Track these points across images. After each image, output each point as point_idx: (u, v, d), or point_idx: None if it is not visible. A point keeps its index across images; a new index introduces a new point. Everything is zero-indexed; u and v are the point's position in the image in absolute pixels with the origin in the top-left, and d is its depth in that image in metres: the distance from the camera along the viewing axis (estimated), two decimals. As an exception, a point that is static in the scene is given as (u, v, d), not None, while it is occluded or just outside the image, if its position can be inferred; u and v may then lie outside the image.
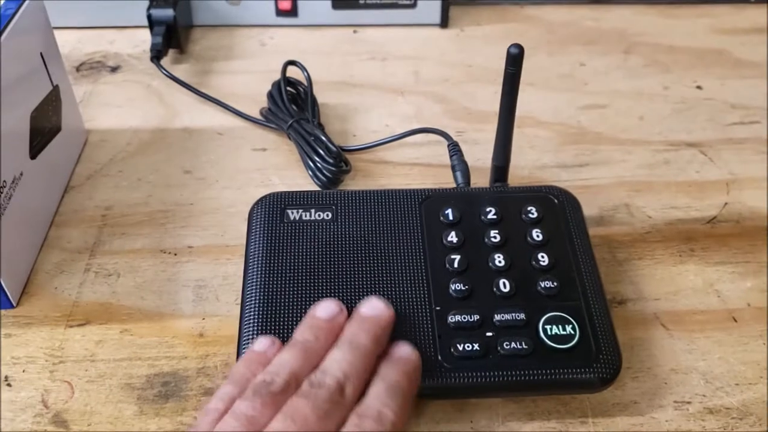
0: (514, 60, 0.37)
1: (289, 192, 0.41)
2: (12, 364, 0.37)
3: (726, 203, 0.47)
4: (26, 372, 0.37)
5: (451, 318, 0.35)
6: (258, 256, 0.38)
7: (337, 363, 0.32)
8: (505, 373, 0.34)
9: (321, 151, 0.46)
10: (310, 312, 0.35)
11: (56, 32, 0.46)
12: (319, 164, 0.46)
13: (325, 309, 0.35)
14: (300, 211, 0.40)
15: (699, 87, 0.57)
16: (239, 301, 0.37)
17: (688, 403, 0.36)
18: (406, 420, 0.31)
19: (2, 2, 0.40)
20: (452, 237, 0.38)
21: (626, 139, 0.52)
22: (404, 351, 0.34)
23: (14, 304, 0.40)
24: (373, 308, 0.35)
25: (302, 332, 0.34)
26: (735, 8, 0.66)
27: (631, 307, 0.40)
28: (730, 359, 0.38)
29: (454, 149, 0.46)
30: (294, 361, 0.32)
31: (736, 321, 0.40)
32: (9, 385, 0.36)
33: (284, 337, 0.35)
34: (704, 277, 0.42)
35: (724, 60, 0.60)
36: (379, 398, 0.31)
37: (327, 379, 0.31)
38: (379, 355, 0.33)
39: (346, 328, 0.34)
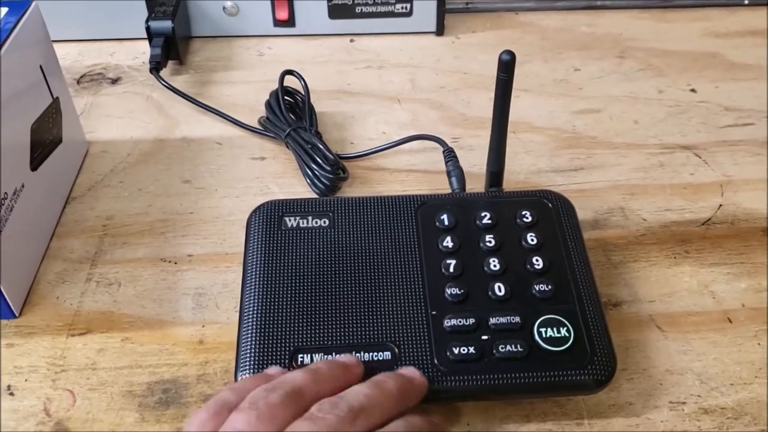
0: (506, 66, 0.37)
1: (286, 200, 0.41)
2: (15, 373, 0.38)
3: (720, 205, 0.47)
4: (29, 381, 0.37)
5: (447, 322, 0.36)
6: (256, 264, 0.38)
7: (356, 394, 0.30)
8: (500, 375, 0.34)
9: (318, 159, 0.47)
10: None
11: (58, 45, 0.46)
12: (316, 172, 0.47)
13: (345, 356, 0.34)
14: (297, 218, 0.40)
15: (693, 90, 0.57)
16: (238, 308, 0.37)
17: (683, 403, 0.36)
18: None
19: (2, 16, 0.41)
20: (448, 242, 0.39)
21: (621, 143, 0.52)
22: (436, 420, 0.33)
23: (17, 314, 0.40)
24: (410, 371, 0.34)
25: (317, 363, 0.33)
26: (729, 11, 0.67)
27: (626, 309, 0.41)
28: (725, 360, 0.38)
29: (450, 155, 0.47)
30: (300, 379, 0.31)
31: (731, 322, 0.40)
32: (12, 394, 0.37)
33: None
34: (699, 279, 0.42)
35: (717, 63, 0.60)
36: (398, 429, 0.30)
37: (341, 404, 0.29)
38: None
39: (376, 376, 0.33)
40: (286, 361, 0.34)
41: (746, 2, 0.67)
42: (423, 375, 0.34)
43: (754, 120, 0.54)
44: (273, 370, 0.34)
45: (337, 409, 0.29)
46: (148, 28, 0.57)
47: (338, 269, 0.38)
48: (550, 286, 0.37)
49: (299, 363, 0.34)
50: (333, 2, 0.61)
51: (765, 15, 0.66)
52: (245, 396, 0.30)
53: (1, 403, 0.36)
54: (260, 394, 0.30)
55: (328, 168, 0.46)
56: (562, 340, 0.35)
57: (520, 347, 0.35)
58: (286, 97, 0.52)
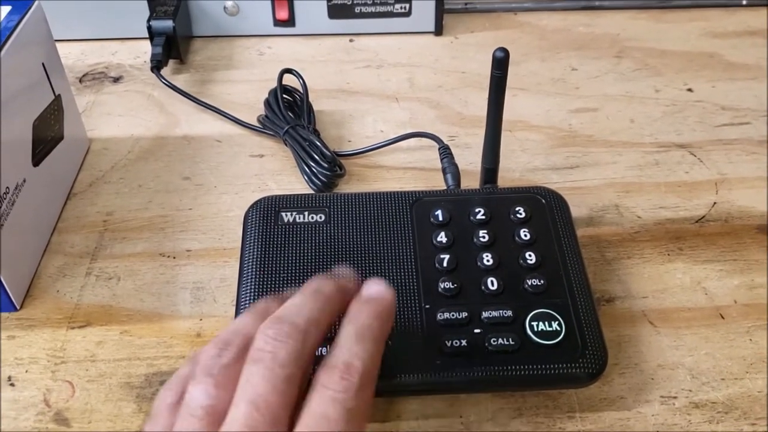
0: (500, 63, 0.38)
1: (283, 195, 0.42)
2: (15, 364, 0.38)
3: (714, 203, 0.47)
4: (29, 372, 0.38)
5: (440, 315, 0.36)
6: (253, 258, 0.39)
7: (296, 308, 0.28)
8: (493, 368, 0.35)
9: (316, 156, 0.47)
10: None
11: (60, 44, 0.47)
12: (314, 169, 0.47)
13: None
14: (294, 213, 0.41)
15: (690, 89, 0.58)
16: (235, 302, 0.38)
17: (674, 397, 0.37)
18: (378, 365, 0.29)
19: (4, 14, 0.42)
20: (442, 237, 0.39)
21: (617, 142, 0.52)
22: (376, 290, 0.31)
23: (18, 307, 0.41)
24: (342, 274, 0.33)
25: (270, 298, 0.31)
26: (727, 12, 0.67)
27: (619, 305, 0.41)
28: (716, 355, 0.39)
29: (445, 152, 0.47)
30: (252, 324, 0.29)
31: (723, 318, 0.41)
32: (12, 384, 0.37)
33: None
34: (692, 275, 0.43)
35: (714, 63, 0.61)
36: (347, 347, 0.28)
37: (285, 328, 0.27)
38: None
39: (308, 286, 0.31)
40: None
41: (744, 3, 0.68)
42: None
43: (750, 119, 0.54)
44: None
45: (282, 332, 0.27)
46: (149, 28, 0.58)
47: (334, 263, 0.38)
48: (542, 281, 0.37)
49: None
50: (332, 2, 0.62)
51: (763, 15, 0.66)
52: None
53: (1, 393, 0.37)
54: (213, 360, 0.27)
55: (326, 165, 0.47)
56: (554, 334, 0.35)
57: (512, 341, 0.35)
58: (284, 96, 0.53)
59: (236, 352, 0.27)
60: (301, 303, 0.29)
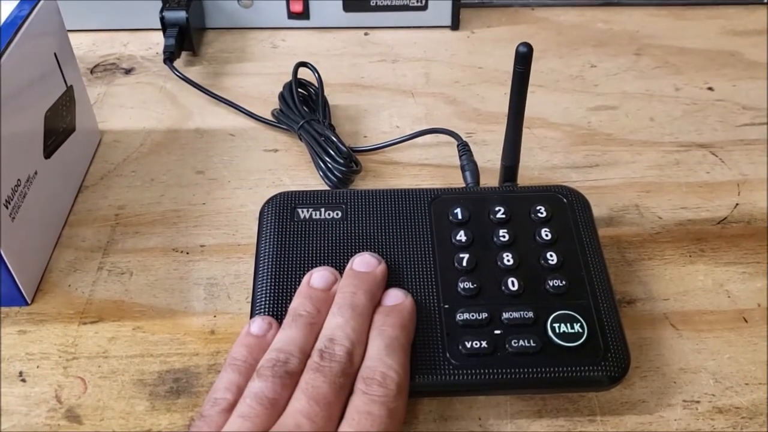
0: (523, 59, 0.37)
1: (299, 191, 0.41)
2: (26, 360, 0.38)
3: (737, 204, 0.47)
4: (40, 368, 0.37)
5: (460, 316, 0.35)
6: (268, 255, 0.38)
7: (342, 330, 0.32)
8: (513, 370, 0.34)
9: (331, 152, 0.47)
10: (306, 280, 0.36)
11: (71, 35, 0.46)
12: (329, 164, 0.46)
13: (322, 279, 0.36)
14: (310, 210, 0.40)
15: (710, 88, 0.57)
16: (250, 299, 0.37)
17: (697, 402, 0.36)
18: (408, 371, 0.32)
19: (16, 3, 0.41)
20: (461, 236, 0.39)
21: (636, 140, 0.52)
22: (396, 298, 0.35)
23: (29, 302, 0.40)
24: (367, 264, 0.36)
25: (302, 304, 0.34)
26: (747, 10, 0.66)
27: (640, 307, 0.40)
28: (739, 359, 0.38)
29: (464, 149, 0.47)
30: (302, 338, 0.32)
31: (746, 321, 0.40)
32: (23, 380, 0.37)
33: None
34: (714, 278, 0.42)
35: (735, 61, 0.60)
36: (381, 359, 0.31)
37: (337, 350, 0.31)
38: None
39: (341, 286, 0.35)
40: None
41: (765, 0, 0.67)
42: (379, 259, 0.36)
43: (771, 119, 0.54)
44: (257, 328, 0.34)
45: (336, 361, 0.31)
46: (162, 19, 0.57)
47: (350, 261, 0.38)
48: (564, 282, 0.37)
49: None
50: (348, -5, 0.61)
51: (784, 14, 0.65)
52: (250, 373, 0.32)
53: (3, 389, 0.36)
54: (278, 365, 0.31)
55: (341, 161, 0.46)
56: (576, 336, 0.35)
57: (533, 342, 0.34)
58: (299, 90, 0.52)
59: (298, 362, 0.31)
60: (345, 323, 0.33)
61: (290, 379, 0.30)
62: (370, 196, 0.41)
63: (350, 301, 0.34)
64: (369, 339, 0.33)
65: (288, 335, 0.33)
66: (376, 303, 0.35)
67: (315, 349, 0.32)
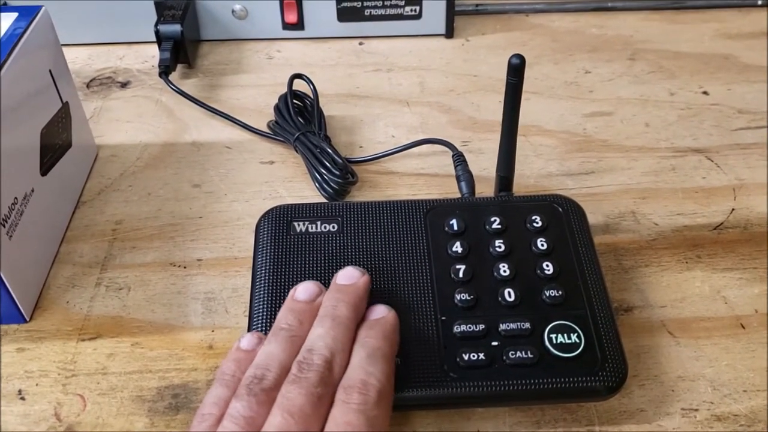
0: (516, 70, 0.37)
1: (295, 204, 0.41)
2: (25, 377, 0.38)
3: (733, 209, 0.47)
4: (39, 385, 0.37)
5: (457, 328, 0.35)
6: (265, 269, 0.38)
7: (322, 340, 0.32)
8: (511, 382, 0.34)
9: (327, 163, 0.47)
10: (291, 294, 0.36)
11: (67, 49, 0.46)
12: (325, 176, 0.47)
13: (306, 291, 0.35)
14: (306, 223, 0.40)
15: (705, 92, 0.57)
16: (248, 313, 0.37)
17: (696, 410, 0.36)
18: (392, 381, 0.32)
19: (12, 21, 0.41)
20: (457, 247, 0.39)
21: (632, 146, 0.52)
22: (379, 312, 0.35)
23: (27, 319, 0.40)
24: (349, 277, 0.36)
25: (284, 317, 0.34)
26: (741, 13, 0.66)
27: (637, 315, 0.40)
28: (737, 366, 0.38)
29: (459, 159, 0.47)
30: (281, 352, 0.32)
31: (743, 327, 0.40)
32: (23, 398, 0.37)
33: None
34: (711, 284, 0.42)
35: (730, 65, 0.60)
36: (362, 367, 0.31)
37: (315, 359, 0.31)
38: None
39: (324, 300, 0.35)
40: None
41: (759, 3, 0.67)
42: (362, 272, 0.36)
43: (767, 123, 0.54)
44: (246, 343, 0.34)
45: (312, 371, 0.31)
46: (157, 32, 0.58)
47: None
48: (560, 292, 0.37)
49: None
50: (342, 5, 0.61)
51: (778, 16, 0.66)
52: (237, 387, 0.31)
53: (3, 407, 0.36)
54: (255, 383, 0.31)
55: (337, 172, 0.46)
56: (573, 347, 0.35)
57: (531, 353, 0.34)
58: (295, 101, 0.52)
59: (275, 379, 0.31)
60: (325, 333, 0.33)
61: (266, 395, 0.30)
62: (365, 208, 0.41)
63: (332, 313, 0.34)
64: (352, 352, 0.32)
65: (267, 350, 0.32)
66: (359, 315, 0.34)
67: (295, 362, 0.31)
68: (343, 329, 0.33)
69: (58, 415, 0.36)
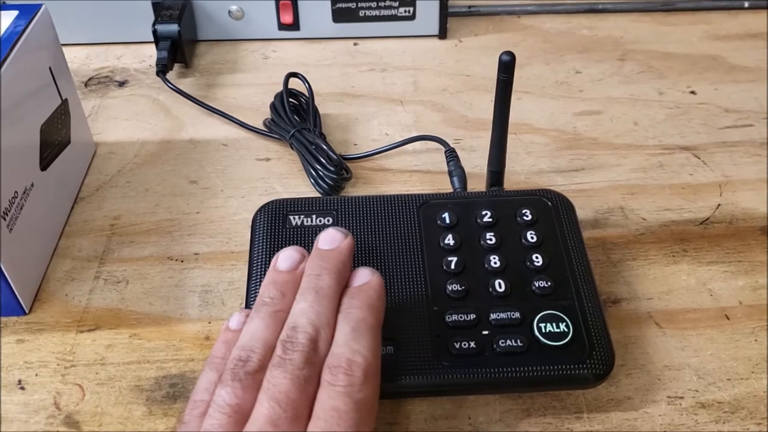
0: (506, 67, 0.38)
1: (291, 198, 0.42)
2: (25, 368, 0.38)
3: (719, 205, 0.48)
4: (39, 376, 0.38)
5: (449, 317, 0.36)
6: (261, 262, 0.39)
7: (305, 316, 0.31)
8: (501, 370, 0.35)
9: (322, 160, 0.48)
10: (273, 263, 0.35)
11: (65, 48, 0.47)
12: (320, 172, 0.47)
13: (287, 259, 0.34)
14: (302, 216, 0.41)
15: (693, 92, 0.58)
16: (244, 305, 0.38)
17: (681, 398, 0.37)
18: (378, 355, 0.31)
19: (12, 19, 0.42)
20: (449, 240, 0.40)
21: (621, 144, 0.53)
22: (363, 277, 0.34)
23: (27, 311, 0.41)
24: (332, 240, 0.35)
25: (267, 290, 0.33)
26: (729, 15, 0.68)
27: (625, 307, 0.41)
28: (722, 355, 0.39)
29: (451, 155, 0.48)
30: (264, 329, 0.31)
31: (728, 318, 0.41)
32: (23, 388, 0.37)
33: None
34: (697, 277, 0.43)
35: (717, 65, 0.61)
36: (347, 344, 0.30)
37: (299, 337, 0.30)
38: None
39: (306, 268, 0.34)
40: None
41: (746, 5, 0.68)
42: (345, 233, 0.35)
43: (753, 121, 0.55)
44: (235, 322, 0.34)
45: (297, 351, 0.30)
46: (154, 32, 0.58)
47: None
48: (549, 283, 0.38)
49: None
50: (337, 6, 0.62)
51: (765, 18, 0.67)
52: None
53: (3, 397, 0.37)
54: (239, 367, 0.30)
55: (332, 168, 0.47)
56: (561, 335, 0.36)
57: (520, 342, 0.35)
58: (290, 99, 0.53)
59: (259, 360, 0.30)
60: (308, 308, 0.32)
61: (252, 379, 0.29)
62: (360, 202, 0.42)
63: (314, 284, 0.32)
64: (336, 324, 0.32)
65: (251, 329, 0.32)
66: (343, 282, 0.33)
67: (279, 341, 0.30)
68: (326, 302, 0.32)
69: (58, 404, 0.37)
